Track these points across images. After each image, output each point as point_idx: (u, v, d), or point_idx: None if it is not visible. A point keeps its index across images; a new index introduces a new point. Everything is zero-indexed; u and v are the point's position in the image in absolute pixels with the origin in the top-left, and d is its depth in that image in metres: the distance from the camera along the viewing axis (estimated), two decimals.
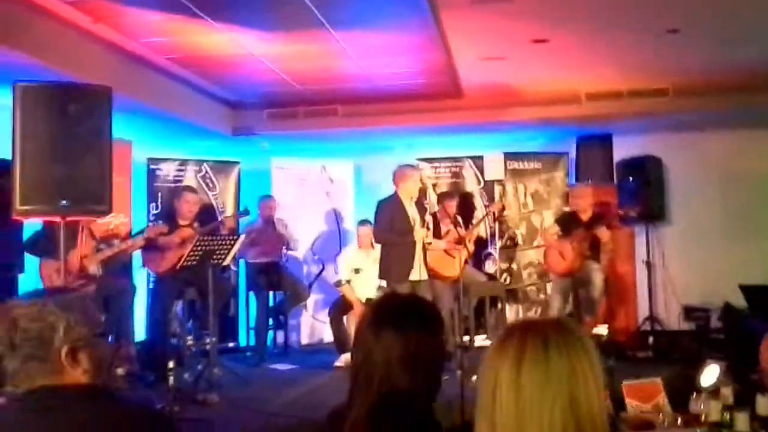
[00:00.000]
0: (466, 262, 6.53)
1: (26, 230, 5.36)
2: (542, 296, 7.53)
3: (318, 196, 8.04)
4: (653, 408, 2.87)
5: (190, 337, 6.13)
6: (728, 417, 2.24)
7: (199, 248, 5.44)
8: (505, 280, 7.39)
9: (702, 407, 2.62)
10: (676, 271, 7.13)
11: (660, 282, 7.22)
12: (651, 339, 6.49)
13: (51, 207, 3.90)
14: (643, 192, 6.96)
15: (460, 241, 6.05)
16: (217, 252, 5.57)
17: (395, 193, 5.98)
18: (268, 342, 7.13)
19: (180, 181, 7.46)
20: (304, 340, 7.74)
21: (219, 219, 6.95)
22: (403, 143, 7.94)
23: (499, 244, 7.59)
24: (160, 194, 7.38)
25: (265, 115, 7.46)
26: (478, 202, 7.78)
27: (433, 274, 6.08)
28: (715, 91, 6.54)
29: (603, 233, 6.10)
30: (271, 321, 7.20)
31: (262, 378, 5.96)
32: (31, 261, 5.38)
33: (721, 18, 4.92)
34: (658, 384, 2.97)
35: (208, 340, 5.64)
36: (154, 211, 7.31)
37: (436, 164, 7.95)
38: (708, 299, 6.66)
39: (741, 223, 7.32)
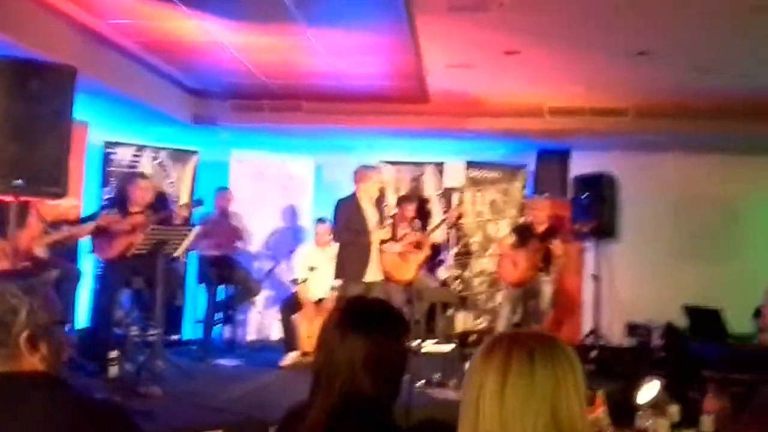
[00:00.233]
0: (420, 266, 6.58)
1: None
2: (491, 305, 7.63)
3: (276, 192, 7.97)
4: (593, 421, 2.91)
5: (134, 327, 6.01)
6: None
7: (151, 237, 5.33)
8: (457, 286, 7.46)
9: (649, 423, 2.68)
10: (622, 288, 7.32)
11: (606, 297, 7.40)
12: (593, 353, 6.63)
13: (4, 185, 3.77)
14: (596, 208, 7.12)
15: (418, 244, 6.09)
16: (170, 242, 5.47)
17: (354, 193, 5.99)
18: (215, 336, 7.03)
19: (135, 166, 7.29)
20: (251, 337, 7.65)
21: (172, 208, 6.82)
22: (365, 144, 7.95)
23: (453, 250, 7.65)
24: (113, 179, 7.20)
25: (228, 106, 7.37)
26: (436, 208, 7.84)
27: (387, 277, 6.10)
28: (674, 114, 6.75)
29: (556, 246, 6.22)
30: (218, 315, 7.10)
31: (206, 373, 5.85)
32: None
33: (690, 44, 5.08)
34: (599, 397, 3.01)
35: (153, 332, 5.53)
36: (107, 196, 7.14)
37: (397, 167, 7.98)
38: (651, 317, 6.85)
39: (689, 246, 7.56)
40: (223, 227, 6.95)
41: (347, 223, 5.84)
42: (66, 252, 5.84)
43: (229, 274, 6.87)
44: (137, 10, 4.91)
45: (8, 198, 3.99)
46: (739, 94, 6.23)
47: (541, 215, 6.51)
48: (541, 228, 6.46)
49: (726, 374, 4.52)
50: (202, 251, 6.95)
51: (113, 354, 5.03)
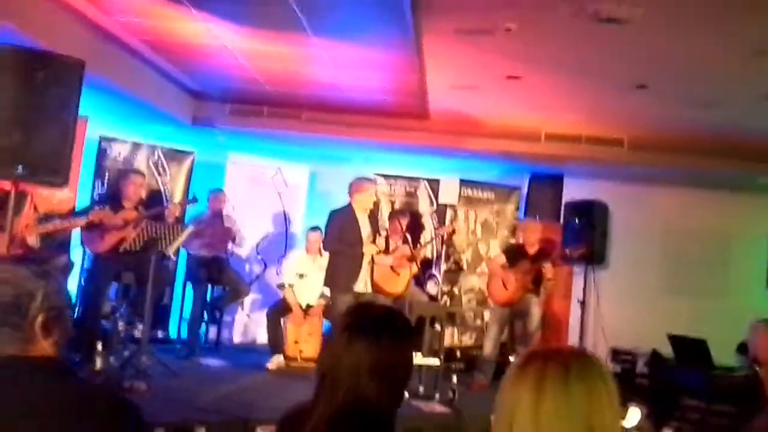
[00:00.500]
0: (410, 280, 6.61)
1: None
2: (479, 322, 7.68)
3: (270, 197, 8.00)
4: None
5: (121, 322, 5.99)
6: None
7: (144, 234, 5.34)
8: (446, 302, 7.50)
9: None
10: (608, 314, 7.38)
11: (592, 322, 7.46)
12: None
13: (6, 172, 3.78)
14: (587, 234, 7.20)
15: (411, 258, 6.13)
16: (163, 240, 5.47)
17: (349, 204, 6.02)
18: (200, 336, 7.01)
19: (130, 163, 7.30)
20: (237, 338, 7.66)
21: (165, 206, 6.82)
22: (362, 156, 8.00)
23: (444, 266, 7.71)
24: (107, 174, 7.20)
25: (227, 109, 7.40)
26: (428, 224, 7.90)
27: (376, 289, 6.13)
28: (669, 148, 6.87)
29: (547, 269, 6.27)
30: (206, 315, 7.09)
31: (191, 371, 5.85)
32: None
33: (689, 81, 5.18)
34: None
35: (140, 327, 5.52)
36: (100, 190, 7.13)
37: (392, 181, 8.04)
38: (636, 344, 6.92)
39: (676, 276, 7.68)
40: (215, 228, 6.96)
41: (340, 234, 5.87)
42: (58, 243, 5.83)
43: (218, 275, 6.87)
44: (146, 9, 4.95)
45: (8, 184, 3.98)
46: (734, 132, 6.36)
47: (532, 237, 6.57)
48: (532, 250, 6.52)
49: (708, 404, 4.58)
50: (193, 251, 6.95)
51: (99, 346, 5.01)
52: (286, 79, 6.37)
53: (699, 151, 6.78)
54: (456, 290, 7.75)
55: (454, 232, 7.54)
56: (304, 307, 6.42)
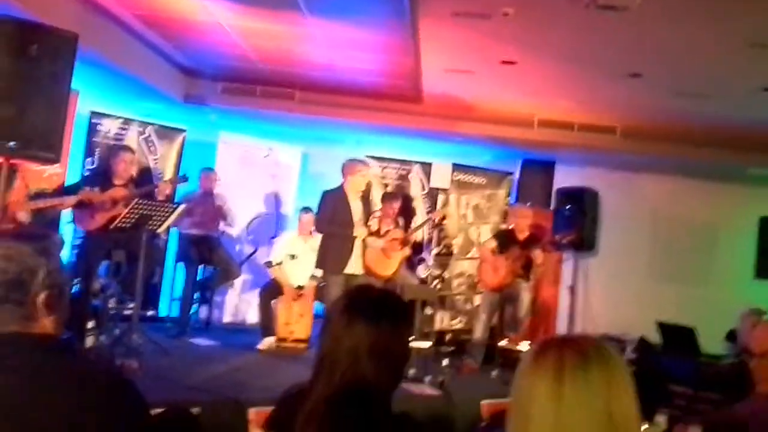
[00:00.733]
0: (401, 263, 6.63)
1: None
2: (469, 306, 7.72)
3: (261, 178, 7.97)
4: None
5: (112, 300, 5.97)
6: None
7: (135, 212, 5.30)
8: (436, 286, 7.53)
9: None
10: (597, 300, 7.46)
11: (580, 308, 7.53)
12: None
13: None
14: (577, 221, 7.25)
15: (402, 242, 6.13)
16: (154, 218, 5.45)
17: (341, 185, 6.01)
18: (191, 315, 7.01)
19: (121, 139, 7.23)
20: (227, 318, 7.65)
21: (155, 184, 6.77)
22: (354, 138, 7.98)
23: (434, 250, 7.73)
24: (98, 150, 7.13)
25: (219, 88, 7.34)
26: (420, 207, 7.90)
27: (367, 271, 6.14)
28: (661, 137, 6.90)
29: (537, 255, 6.30)
30: (196, 295, 7.08)
31: (182, 351, 5.85)
32: None
33: (683, 71, 5.20)
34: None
35: (131, 305, 5.51)
36: (90, 167, 7.07)
37: (385, 164, 8.02)
38: (624, 331, 6.98)
39: (665, 264, 7.76)
40: (206, 207, 6.93)
41: (332, 215, 5.86)
42: (49, 220, 5.79)
43: (209, 254, 6.85)
44: None
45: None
46: (727, 123, 6.40)
47: (523, 223, 6.58)
48: (522, 236, 6.54)
49: (696, 392, 4.64)
50: (183, 229, 6.92)
51: (90, 324, 4.99)
52: (279, 58, 6.32)
53: (691, 140, 6.83)
54: (446, 274, 7.78)
55: (445, 216, 7.56)
56: (295, 287, 6.42)
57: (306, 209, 6.66)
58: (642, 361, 5.89)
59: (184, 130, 7.71)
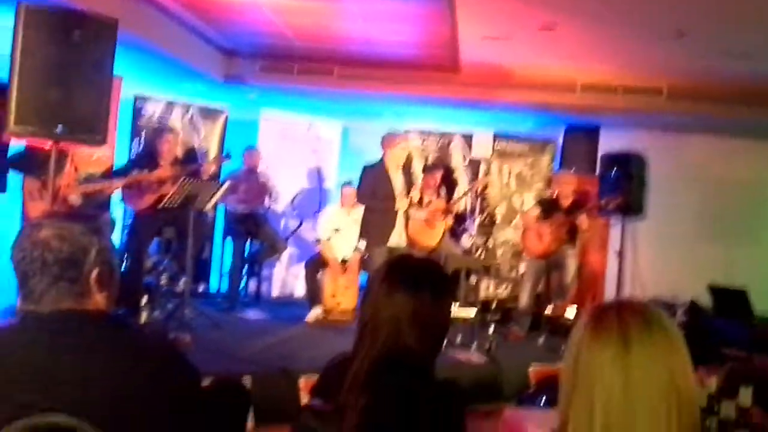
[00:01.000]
0: (444, 234, 6.63)
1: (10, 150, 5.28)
2: (514, 274, 7.70)
3: (303, 153, 8.04)
4: None
5: (164, 276, 6.15)
6: (714, 405, 2.34)
7: (181, 191, 5.43)
8: (480, 255, 7.52)
9: None
10: (645, 265, 7.29)
11: (629, 273, 7.40)
12: None
13: (45, 130, 3.84)
14: (623, 186, 7.06)
15: (445, 211, 6.13)
16: (200, 196, 5.57)
17: (382, 159, 6.02)
18: (240, 290, 7.16)
19: (165, 121, 7.39)
20: (275, 292, 7.81)
21: (200, 162, 6.91)
22: (394, 110, 7.96)
23: (478, 220, 7.70)
24: (143, 133, 7.30)
25: (259, 66, 7.39)
26: (462, 178, 7.87)
27: (411, 243, 6.16)
28: (707, 97, 6.68)
29: (582, 221, 6.21)
30: (245, 269, 7.22)
31: (232, 324, 6.00)
32: (12, 181, 5.31)
33: (728, 28, 5.01)
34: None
35: (182, 281, 5.65)
36: (137, 149, 7.25)
37: (425, 136, 8.00)
38: (674, 295, 6.87)
39: (714, 226, 7.58)
40: (250, 184, 7.05)
41: (373, 189, 5.89)
42: (100, 201, 5.97)
43: (256, 230, 6.98)
44: None
45: (48, 142, 4.07)
46: None
47: (567, 189, 6.49)
48: (566, 202, 6.45)
49: (749, 354, 4.55)
50: (230, 206, 7.06)
51: (143, 300, 5.15)
52: (316, 34, 6.33)
53: (738, 99, 6.60)
54: (490, 243, 7.76)
55: (487, 186, 7.51)
56: (340, 260, 6.49)
57: (347, 183, 6.70)
58: (693, 325, 5.81)
59: (225, 110, 7.81)
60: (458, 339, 5.55)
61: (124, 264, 6.35)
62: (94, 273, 1.59)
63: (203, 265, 7.48)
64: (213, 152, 7.61)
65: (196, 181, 5.65)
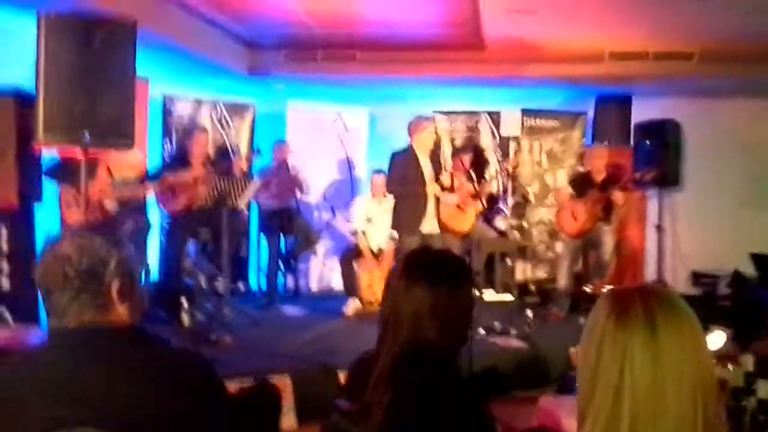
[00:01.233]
0: (477, 217, 6.55)
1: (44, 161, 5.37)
2: (551, 254, 7.58)
3: (332, 143, 8.02)
4: None
5: (202, 277, 6.21)
6: (752, 383, 2.27)
7: (213, 190, 5.46)
8: (515, 237, 7.43)
9: (719, 372, 2.64)
10: (686, 237, 7.14)
11: (669, 247, 7.24)
12: None
13: (74, 138, 3.88)
14: (659, 156, 6.90)
15: (475, 195, 6.05)
16: (232, 195, 5.59)
17: (410, 145, 5.96)
18: (279, 286, 7.20)
19: (194, 120, 7.44)
20: (314, 286, 7.84)
21: (232, 160, 6.94)
22: (419, 93, 7.87)
23: (510, 201, 7.60)
24: (174, 132, 7.36)
25: (282, 57, 7.37)
26: (492, 158, 7.76)
27: (444, 228, 6.10)
28: (742, 58, 6.43)
29: (617, 196, 6.05)
30: (281, 265, 7.26)
31: (272, 321, 6.04)
32: (48, 191, 5.40)
33: None
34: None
35: (220, 281, 5.70)
36: (169, 149, 7.32)
37: (452, 117, 7.90)
38: (717, 266, 6.70)
39: (756, 192, 7.32)
40: (281, 178, 7.05)
41: (402, 176, 5.83)
42: (136, 205, 6.05)
43: (289, 224, 6.99)
44: None
45: (77, 150, 4.11)
46: None
47: (599, 164, 6.33)
48: (599, 177, 6.30)
49: None
50: (262, 202, 7.09)
51: (184, 303, 5.21)
52: (337, 20, 6.28)
53: None
54: (525, 224, 7.65)
55: (518, 165, 7.40)
56: (375, 251, 6.47)
57: (377, 171, 6.66)
58: (737, 295, 5.66)
59: (253, 104, 7.83)
60: (497, 325, 5.49)
61: (162, 267, 6.46)
62: (116, 284, 1.58)
63: (241, 263, 7.54)
64: (244, 148, 7.64)
65: (226, 180, 5.67)
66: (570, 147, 7.73)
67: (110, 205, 5.48)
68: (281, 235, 7.11)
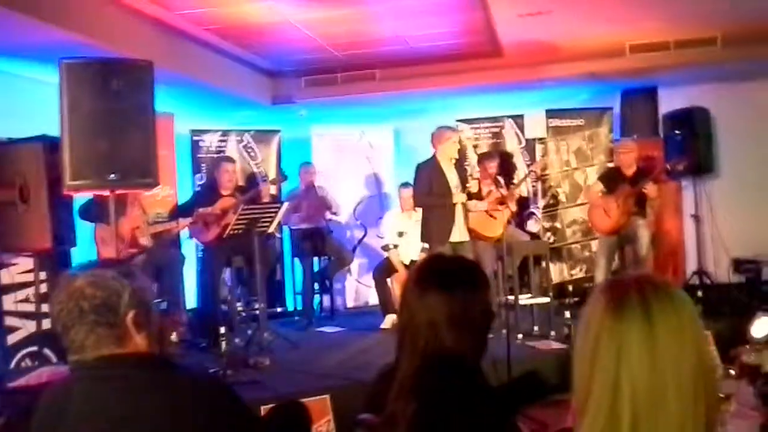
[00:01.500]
0: (508, 222, 6.50)
1: (76, 205, 5.51)
2: (587, 254, 7.47)
3: (358, 162, 8.07)
4: None
5: (239, 303, 6.30)
6: None
7: (243, 217, 5.53)
8: (549, 238, 7.34)
9: (752, 358, 2.58)
10: (724, 225, 6.96)
11: (708, 235, 7.07)
12: (700, 292, 6.39)
13: (100, 181, 3.97)
14: (690, 145, 6.77)
15: (502, 201, 6.01)
16: (262, 220, 5.65)
17: (434, 155, 5.94)
18: (315, 306, 7.24)
19: (223, 151, 7.57)
20: (350, 304, 7.86)
21: (260, 188, 7.03)
22: (442, 105, 7.88)
23: (541, 203, 7.52)
24: (203, 165, 7.50)
25: (303, 83, 7.48)
26: (520, 162, 7.71)
27: (474, 236, 6.06)
28: (766, 39, 6.29)
29: (650, 189, 5.94)
30: (317, 286, 7.30)
31: (310, 341, 6.07)
32: (82, 234, 5.54)
33: None
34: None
35: (257, 306, 5.76)
36: (199, 182, 7.45)
37: (476, 125, 7.87)
38: (759, 252, 6.51)
39: None
40: (310, 200, 7.12)
41: (429, 187, 5.82)
42: (170, 239, 6.17)
43: (321, 245, 7.04)
44: None
45: (105, 192, 4.21)
46: None
47: (628, 158, 6.22)
48: (629, 171, 6.19)
49: None
50: (293, 226, 7.16)
51: (222, 330, 5.28)
52: (352, 42, 6.35)
53: None
54: (558, 225, 7.56)
55: (546, 167, 7.33)
56: (408, 264, 6.46)
57: (405, 185, 6.67)
58: None
59: (278, 131, 7.94)
60: (536, 329, 5.42)
61: (200, 296, 6.56)
62: (130, 315, 1.61)
63: (277, 286, 7.62)
64: (272, 174, 7.73)
65: (255, 207, 5.75)
66: (599, 144, 7.63)
67: (145, 241, 5.61)
68: (315, 256, 7.16)
